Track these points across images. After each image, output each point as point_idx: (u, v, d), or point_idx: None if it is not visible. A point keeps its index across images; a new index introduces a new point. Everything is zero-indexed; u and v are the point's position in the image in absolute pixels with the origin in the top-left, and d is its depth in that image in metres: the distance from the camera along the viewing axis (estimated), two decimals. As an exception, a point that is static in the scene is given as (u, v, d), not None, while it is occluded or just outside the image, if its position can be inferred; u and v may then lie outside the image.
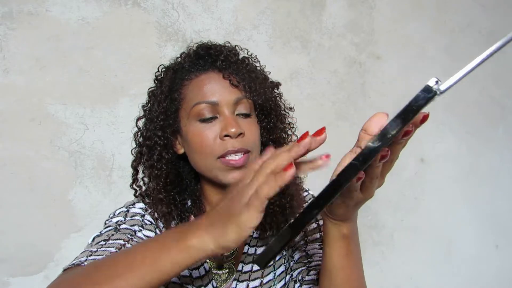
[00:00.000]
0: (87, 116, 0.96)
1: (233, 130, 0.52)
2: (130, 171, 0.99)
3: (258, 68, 0.62)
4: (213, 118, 0.55)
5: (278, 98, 0.63)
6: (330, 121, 1.26)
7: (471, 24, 1.50)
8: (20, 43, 0.89)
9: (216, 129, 0.54)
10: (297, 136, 0.66)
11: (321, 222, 0.66)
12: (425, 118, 0.33)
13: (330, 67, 1.26)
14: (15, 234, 0.90)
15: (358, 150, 0.41)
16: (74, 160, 0.95)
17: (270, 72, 0.64)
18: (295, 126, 0.66)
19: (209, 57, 0.58)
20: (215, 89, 0.55)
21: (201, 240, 0.33)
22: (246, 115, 0.56)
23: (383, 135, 0.29)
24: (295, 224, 0.31)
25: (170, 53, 1.03)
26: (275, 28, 1.17)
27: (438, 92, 0.27)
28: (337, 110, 1.27)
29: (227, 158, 0.53)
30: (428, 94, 0.27)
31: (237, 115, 0.56)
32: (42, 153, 0.92)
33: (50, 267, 0.93)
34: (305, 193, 0.69)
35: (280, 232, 0.32)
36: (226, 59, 0.57)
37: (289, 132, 0.65)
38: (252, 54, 0.64)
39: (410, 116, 0.28)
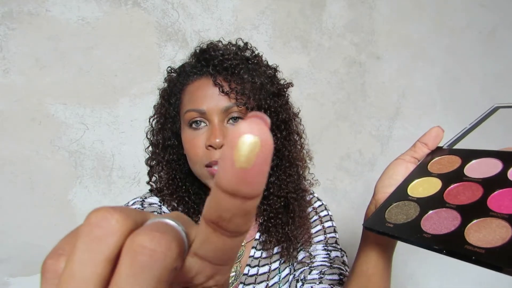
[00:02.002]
0: (87, 116, 0.96)
1: (216, 140, 0.51)
2: (130, 171, 1.00)
3: (263, 69, 0.59)
4: (203, 126, 0.54)
5: (280, 104, 0.59)
6: (330, 121, 1.26)
7: (471, 24, 1.50)
8: (20, 43, 0.89)
9: (204, 137, 0.53)
10: (302, 143, 0.64)
11: (326, 225, 0.66)
12: None
13: (330, 67, 1.26)
14: (15, 234, 0.90)
15: (412, 160, 0.43)
16: (74, 160, 0.95)
17: (279, 71, 0.61)
18: (301, 132, 0.64)
19: (204, 61, 0.57)
20: (204, 96, 0.53)
21: None
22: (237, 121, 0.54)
23: None
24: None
25: (170, 53, 1.03)
26: (275, 28, 1.17)
27: None
28: (337, 110, 1.27)
29: (213, 167, 0.52)
30: None
31: (229, 120, 0.54)
32: (42, 153, 0.92)
33: (50, 267, 0.93)
34: (310, 196, 0.69)
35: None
36: (220, 64, 0.55)
37: (296, 138, 0.62)
38: (258, 53, 0.61)
39: None
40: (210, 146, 0.52)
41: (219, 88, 0.53)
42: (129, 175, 1.00)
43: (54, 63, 0.92)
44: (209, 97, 0.53)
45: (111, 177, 0.98)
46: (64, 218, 0.94)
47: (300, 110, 0.65)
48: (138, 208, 0.56)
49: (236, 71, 0.55)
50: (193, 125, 0.54)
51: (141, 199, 0.60)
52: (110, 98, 0.98)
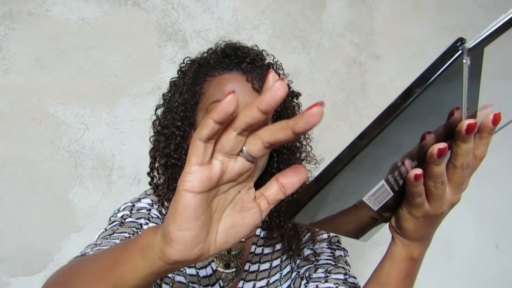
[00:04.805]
0: (87, 116, 0.96)
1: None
2: (129, 171, 1.00)
3: (281, 75, 0.63)
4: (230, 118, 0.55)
5: (296, 108, 0.65)
6: (330, 121, 1.26)
7: (471, 24, 1.50)
8: (20, 43, 0.89)
9: None
10: (311, 147, 0.68)
11: None
12: (496, 118, 0.30)
13: (330, 67, 1.26)
14: (15, 234, 0.90)
15: None
16: (74, 160, 0.95)
17: (292, 82, 0.65)
18: (310, 136, 0.67)
19: (235, 58, 0.59)
20: (236, 89, 0.55)
21: (152, 235, 0.26)
22: None
23: (406, 93, 0.26)
24: (321, 177, 0.28)
25: (170, 53, 1.03)
26: (275, 28, 1.17)
27: (464, 51, 0.26)
28: (337, 110, 1.27)
29: None
30: (453, 53, 0.26)
31: None
32: (42, 153, 0.92)
33: (50, 267, 0.93)
34: None
35: (307, 185, 0.28)
36: (252, 62, 0.58)
37: (304, 142, 0.66)
38: (277, 61, 0.65)
39: (432, 75, 0.26)
40: None
41: (252, 85, 0.56)
42: (129, 175, 1.00)
43: (54, 63, 0.92)
44: (240, 91, 0.55)
45: (111, 177, 0.98)
46: (64, 218, 0.94)
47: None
48: (127, 214, 0.56)
49: (265, 72, 0.58)
50: None
51: (132, 204, 0.59)
52: (110, 98, 0.98)
